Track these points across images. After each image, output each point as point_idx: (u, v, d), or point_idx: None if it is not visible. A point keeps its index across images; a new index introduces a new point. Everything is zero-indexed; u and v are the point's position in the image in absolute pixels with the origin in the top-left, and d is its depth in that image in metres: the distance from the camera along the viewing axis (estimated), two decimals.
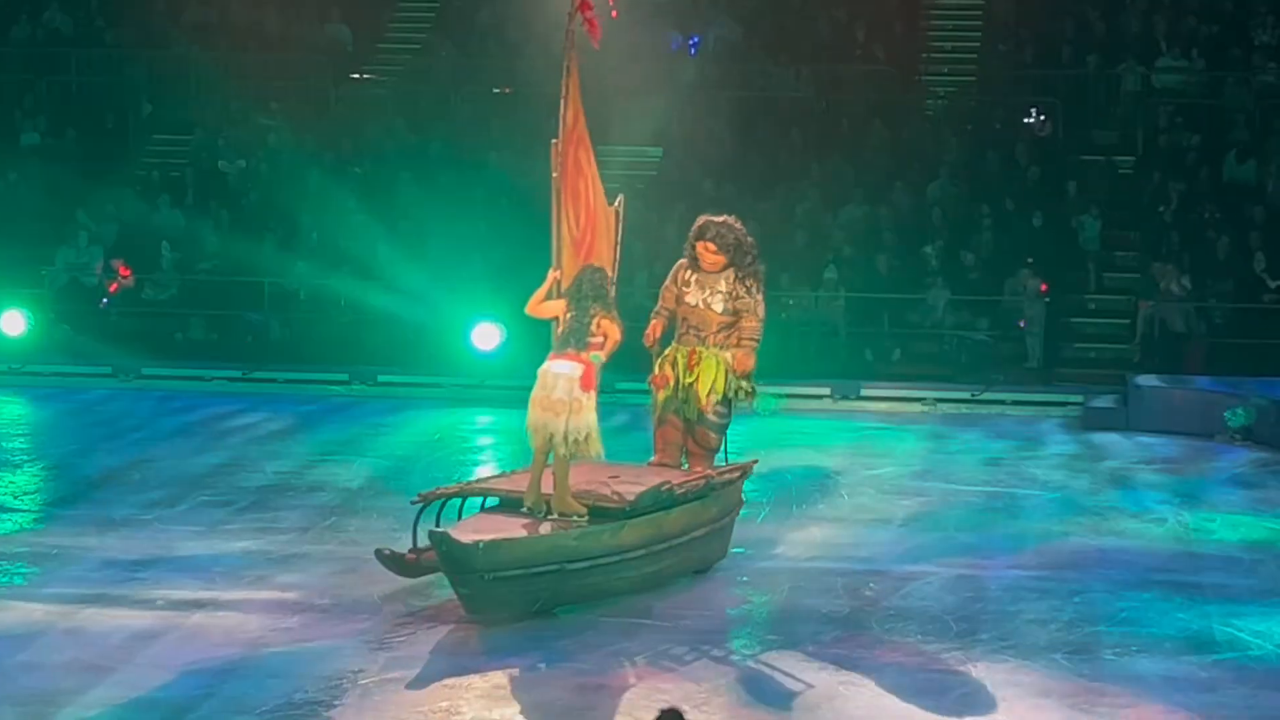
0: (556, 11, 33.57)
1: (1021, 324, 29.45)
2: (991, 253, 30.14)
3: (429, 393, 27.88)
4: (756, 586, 18.25)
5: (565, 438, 16.65)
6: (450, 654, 15.98)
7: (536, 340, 27.14)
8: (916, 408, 27.93)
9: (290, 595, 17.52)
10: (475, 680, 15.15)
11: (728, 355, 18.07)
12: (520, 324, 27.77)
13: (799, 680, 15.35)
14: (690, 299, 18.20)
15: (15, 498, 21.65)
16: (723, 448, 18.64)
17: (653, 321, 18.44)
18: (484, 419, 26.85)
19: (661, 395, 18.32)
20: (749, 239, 18.24)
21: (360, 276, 28.72)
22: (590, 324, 16.88)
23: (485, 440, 26.28)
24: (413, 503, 17.67)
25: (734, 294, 18.07)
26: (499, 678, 15.30)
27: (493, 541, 16.27)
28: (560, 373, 16.79)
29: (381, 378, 28.57)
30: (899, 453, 24.97)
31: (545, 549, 16.54)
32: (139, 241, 31.37)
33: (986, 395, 28.20)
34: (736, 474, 18.63)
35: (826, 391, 28.02)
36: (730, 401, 18.29)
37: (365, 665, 15.65)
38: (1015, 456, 24.96)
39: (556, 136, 17.82)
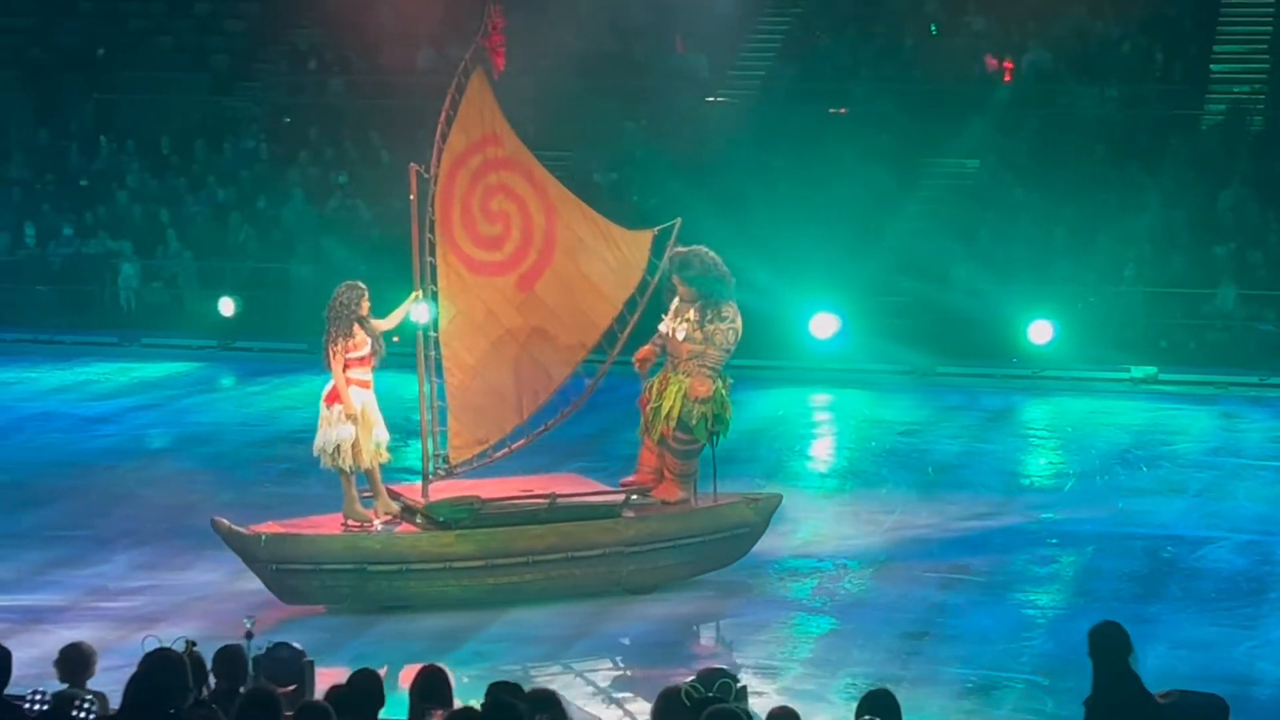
0: (882, 40, 33.64)
1: None
2: (1278, 253, 29.27)
3: (773, 374, 27.83)
4: (1063, 548, 17.99)
5: (322, 450, 15.66)
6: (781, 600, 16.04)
7: (874, 330, 27.17)
8: (1208, 391, 27.19)
9: None
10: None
11: (691, 382, 16.28)
12: (856, 314, 27.89)
13: None
14: (663, 326, 16.44)
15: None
16: (697, 472, 16.58)
17: (646, 346, 16.62)
18: (821, 398, 26.78)
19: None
20: (716, 269, 16.33)
21: None
22: (325, 344, 15.62)
23: (823, 416, 26.23)
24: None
25: (699, 322, 16.22)
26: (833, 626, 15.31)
27: (276, 535, 15.52)
28: (324, 391, 15.82)
29: (733, 361, 28.52)
30: (1193, 431, 24.34)
31: (339, 548, 15.44)
32: None
33: (1274, 380, 27.36)
34: (686, 503, 16.44)
35: (1127, 375, 27.42)
36: (694, 428, 16.21)
37: (719, 610, 15.74)
38: None
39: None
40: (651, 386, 16.48)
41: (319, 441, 15.66)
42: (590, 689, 13.75)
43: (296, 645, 11.46)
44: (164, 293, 31.98)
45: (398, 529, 15.81)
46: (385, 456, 15.93)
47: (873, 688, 9.02)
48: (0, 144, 35.38)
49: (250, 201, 33.10)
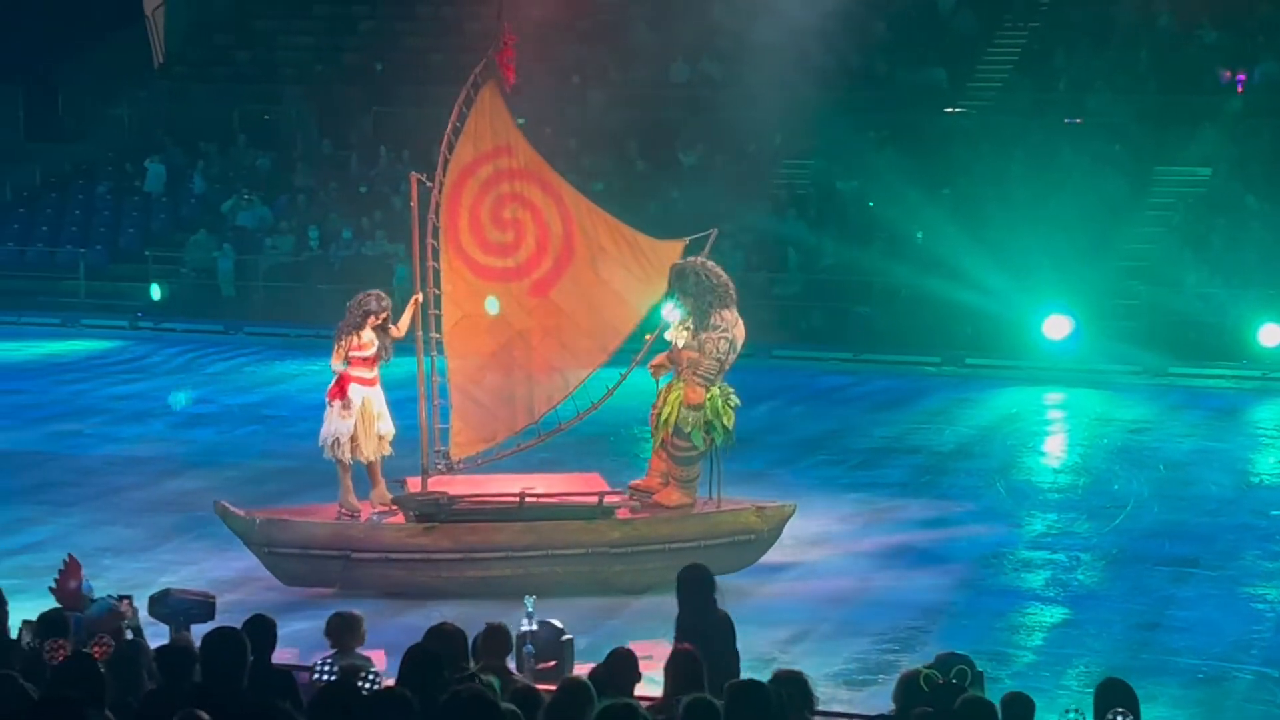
0: (1116, 53, 32.98)
1: None
2: None
3: (1007, 374, 27.54)
4: None
5: (323, 443, 15.77)
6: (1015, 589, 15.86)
7: (1106, 332, 26.70)
8: None
9: (893, 540, 17.57)
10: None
11: (684, 390, 15.61)
12: (1088, 316, 27.47)
13: None
14: (669, 334, 15.74)
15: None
16: (703, 478, 15.94)
17: (661, 354, 15.83)
18: (1054, 396, 26.43)
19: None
20: (710, 280, 15.45)
21: (950, 276, 28.54)
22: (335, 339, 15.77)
23: (1055, 414, 25.88)
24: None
25: (695, 331, 15.47)
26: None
27: (269, 520, 15.53)
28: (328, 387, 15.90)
29: (969, 360, 28.36)
30: None
31: (325, 535, 15.41)
32: (771, 247, 31.80)
33: None
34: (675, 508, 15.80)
35: None
36: (690, 435, 15.55)
37: (954, 599, 15.63)
38: None
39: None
40: (661, 393, 15.92)
41: (321, 434, 15.87)
42: (833, 671, 13.68)
43: (557, 624, 11.62)
44: None
45: (387, 520, 15.73)
46: (388, 450, 15.95)
47: (1108, 677, 8.88)
48: (287, 154, 36.29)
49: None
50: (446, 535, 15.41)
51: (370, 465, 15.90)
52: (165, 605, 11.68)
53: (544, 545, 15.43)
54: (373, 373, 15.85)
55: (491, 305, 15.96)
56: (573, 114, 35.42)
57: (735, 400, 15.88)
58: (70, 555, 10.96)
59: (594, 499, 15.68)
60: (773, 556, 16.75)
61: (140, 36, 39.98)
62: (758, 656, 13.63)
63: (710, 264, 15.66)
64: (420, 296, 15.78)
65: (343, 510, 15.82)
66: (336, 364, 15.81)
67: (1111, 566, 16.69)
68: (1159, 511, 18.70)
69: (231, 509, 15.72)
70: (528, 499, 15.49)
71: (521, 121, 34.66)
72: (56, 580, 10.93)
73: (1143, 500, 19.14)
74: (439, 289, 15.82)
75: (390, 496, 15.96)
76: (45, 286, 34.70)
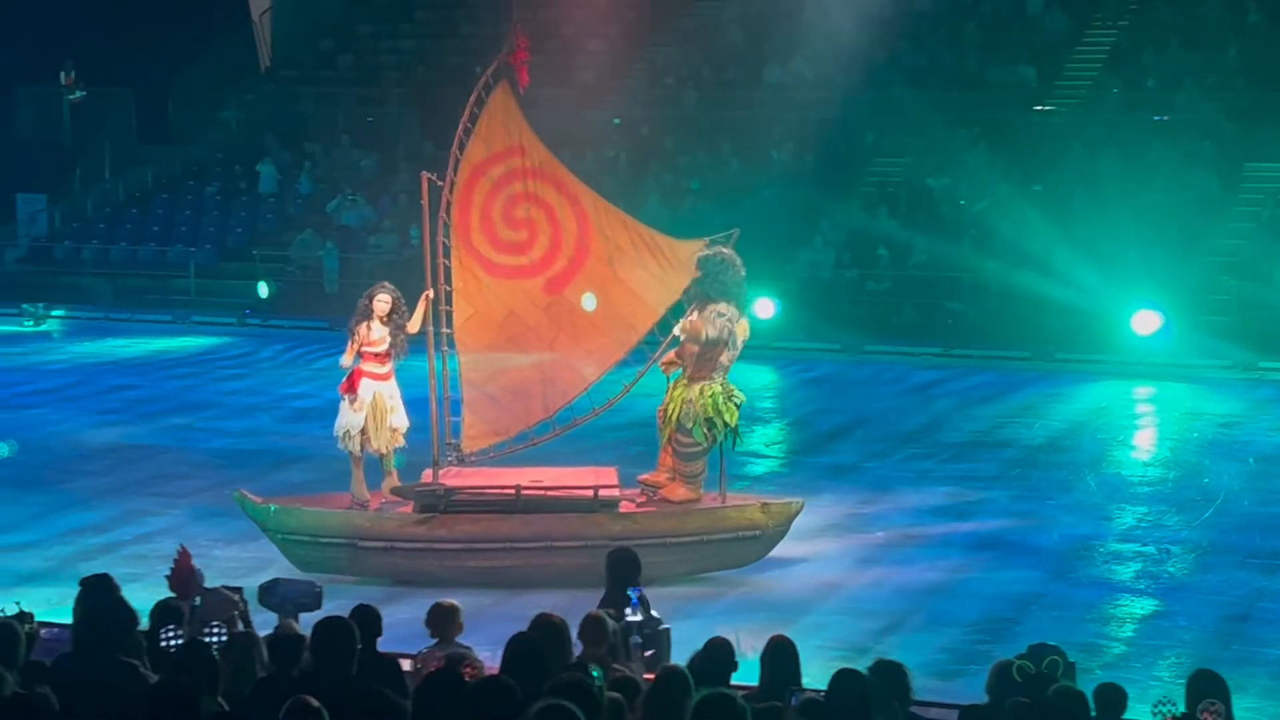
0: (1205, 50, 32.59)
1: None
2: None
3: (1097, 368, 27.31)
4: None
5: (336, 435, 15.97)
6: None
7: (1196, 326, 26.43)
8: None
9: (984, 532, 17.50)
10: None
11: (695, 389, 15.46)
12: (1178, 311, 27.20)
13: None
14: (676, 329, 15.63)
15: (766, 446, 22.13)
16: (708, 473, 15.86)
17: (671, 351, 15.76)
18: (1143, 391, 26.21)
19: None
20: (726, 274, 15.33)
21: (1040, 272, 28.33)
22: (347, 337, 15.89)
23: (1145, 409, 25.65)
24: None
25: (696, 320, 15.39)
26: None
27: (283, 507, 15.68)
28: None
29: (1058, 355, 28.15)
30: None
31: (334, 524, 15.58)
32: (862, 244, 31.69)
33: None
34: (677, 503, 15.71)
35: None
36: (691, 430, 15.46)
37: (1045, 590, 15.56)
38: None
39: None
40: (669, 390, 15.80)
41: (335, 427, 16.09)
42: (925, 661, 13.62)
43: (654, 614, 11.64)
44: None
45: (395, 510, 15.81)
46: (401, 442, 16.04)
47: (1199, 669, 8.82)
48: (390, 155, 36.50)
49: None
50: (446, 526, 15.49)
51: (383, 457, 16.07)
52: (274, 595, 11.75)
53: (545, 537, 15.41)
54: (385, 368, 16.00)
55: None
56: (668, 114, 35.47)
57: (739, 397, 15.75)
58: (182, 546, 11.06)
59: (589, 493, 15.57)
60: (866, 548, 16.76)
61: (247, 42, 40.36)
62: (852, 646, 13.64)
63: (737, 262, 15.51)
64: (431, 293, 15.78)
65: (354, 500, 16.01)
66: (346, 360, 16.02)
67: (1202, 559, 16.55)
68: (1249, 505, 18.53)
69: (250, 496, 15.96)
70: (524, 491, 15.47)
71: (617, 121, 35.37)
72: (173, 570, 11.05)
73: (1233, 494, 18.96)
74: (450, 285, 15.84)
75: (398, 485, 16.11)
76: (157, 284, 35.14)
